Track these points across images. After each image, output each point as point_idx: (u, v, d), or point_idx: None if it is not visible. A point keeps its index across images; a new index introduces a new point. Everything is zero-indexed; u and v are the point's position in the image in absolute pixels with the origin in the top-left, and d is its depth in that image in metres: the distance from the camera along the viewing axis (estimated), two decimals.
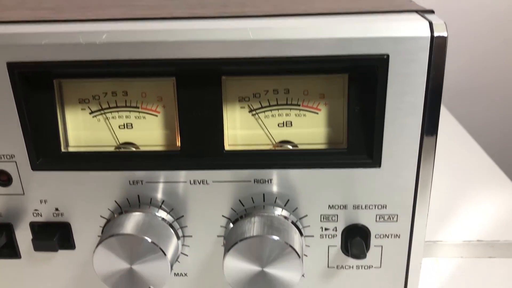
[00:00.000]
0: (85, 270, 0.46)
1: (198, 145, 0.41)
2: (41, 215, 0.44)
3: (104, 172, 0.42)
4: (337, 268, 0.45)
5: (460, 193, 0.66)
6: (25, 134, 0.41)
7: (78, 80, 0.41)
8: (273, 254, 0.39)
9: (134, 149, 0.43)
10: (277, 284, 0.40)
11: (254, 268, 0.40)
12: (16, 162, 0.42)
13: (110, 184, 0.42)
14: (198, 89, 0.40)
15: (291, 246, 0.39)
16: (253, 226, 0.40)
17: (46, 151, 0.42)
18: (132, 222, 0.41)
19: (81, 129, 0.43)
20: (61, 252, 0.45)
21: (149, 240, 0.40)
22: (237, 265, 0.40)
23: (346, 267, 0.45)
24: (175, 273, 0.46)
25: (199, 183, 0.42)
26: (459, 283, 0.51)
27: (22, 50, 0.38)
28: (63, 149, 0.42)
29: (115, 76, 0.41)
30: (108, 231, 0.41)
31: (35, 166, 0.42)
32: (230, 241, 0.40)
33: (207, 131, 0.41)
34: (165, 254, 0.40)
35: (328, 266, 0.45)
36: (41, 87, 0.40)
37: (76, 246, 0.45)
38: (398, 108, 0.39)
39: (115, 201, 0.43)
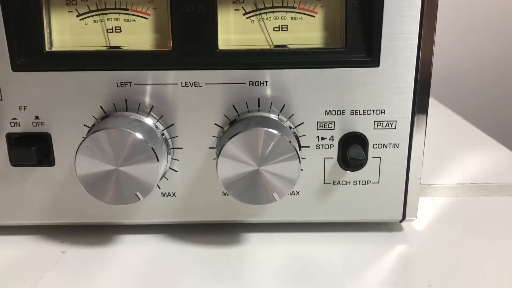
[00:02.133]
0: (64, 190, 0.42)
1: (190, 43, 0.39)
2: (19, 125, 0.41)
3: (90, 73, 0.40)
4: (333, 183, 0.43)
5: (449, 151, 0.65)
6: (7, 30, 0.38)
7: None
8: (270, 151, 0.37)
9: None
10: (272, 187, 0.38)
11: (249, 167, 0.38)
12: None
13: (96, 86, 0.40)
14: None
15: (290, 143, 0.37)
16: (249, 125, 0.38)
17: (29, 50, 0.39)
18: (120, 121, 0.39)
19: (67, 33, 0.41)
20: (38, 170, 0.42)
21: (141, 136, 0.37)
22: (231, 165, 0.38)
23: (343, 182, 0.43)
24: (162, 193, 0.43)
25: (191, 85, 0.40)
26: (456, 218, 0.49)
27: None
28: (47, 49, 0.40)
29: None
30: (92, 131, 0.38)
31: (16, 66, 0.39)
32: (224, 141, 0.38)
33: (200, 29, 0.39)
34: (155, 154, 0.37)
35: (324, 182, 0.43)
36: None
37: (56, 162, 0.42)
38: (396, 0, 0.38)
39: (101, 107, 0.40)
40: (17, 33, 0.39)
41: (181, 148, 0.41)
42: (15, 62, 0.39)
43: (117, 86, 0.40)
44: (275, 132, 0.37)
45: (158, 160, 0.38)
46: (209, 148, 0.42)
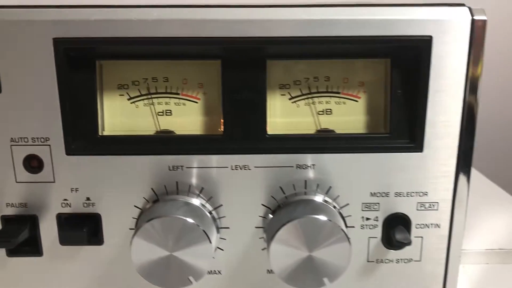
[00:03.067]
0: (112, 268, 0.43)
1: (240, 129, 0.41)
2: (70, 206, 0.42)
3: (142, 157, 0.41)
4: (376, 262, 0.44)
5: (474, 212, 0.66)
6: (63, 115, 0.39)
7: (121, 62, 0.41)
8: (321, 237, 0.38)
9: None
10: (324, 271, 0.39)
11: (301, 253, 0.38)
12: (50, 145, 0.40)
13: (148, 170, 0.41)
14: (243, 71, 0.40)
15: (341, 228, 0.38)
16: (298, 210, 0.39)
17: (83, 134, 0.41)
18: (171, 207, 0.40)
19: (118, 115, 0.42)
20: (87, 249, 0.43)
21: (193, 221, 0.38)
22: (283, 251, 0.38)
23: (386, 261, 0.44)
24: (208, 271, 0.43)
25: (241, 169, 0.41)
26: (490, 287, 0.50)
27: (70, 26, 0.38)
28: (100, 133, 0.41)
29: (160, 58, 0.41)
30: (146, 218, 0.39)
31: (70, 150, 0.40)
32: (275, 227, 0.39)
33: (250, 115, 0.40)
34: (208, 237, 0.38)
35: (367, 260, 0.44)
36: (84, 68, 0.40)
37: (104, 241, 0.42)
38: (440, 90, 0.40)
39: (152, 189, 0.41)
40: (72, 118, 0.40)
41: (228, 227, 0.42)
42: (69, 147, 0.40)
43: (169, 170, 0.41)
44: (325, 219, 0.38)
45: (210, 242, 0.38)
46: (255, 227, 0.42)
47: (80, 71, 0.40)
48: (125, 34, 0.38)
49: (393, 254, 0.44)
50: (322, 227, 0.38)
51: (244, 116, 0.41)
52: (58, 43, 0.38)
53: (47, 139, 0.40)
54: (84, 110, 0.40)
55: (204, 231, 0.38)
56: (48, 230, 0.42)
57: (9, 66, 0.38)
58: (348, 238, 0.38)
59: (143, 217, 0.40)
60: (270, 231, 0.40)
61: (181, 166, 0.41)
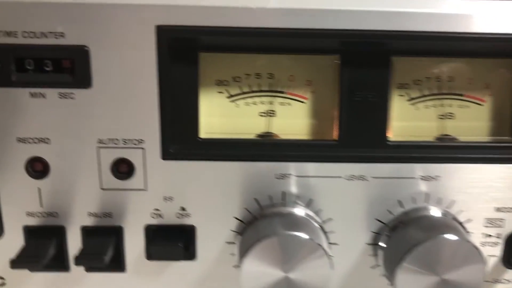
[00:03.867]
0: (204, 285, 0.38)
1: (359, 134, 0.36)
2: (161, 216, 0.37)
3: (245, 163, 0.36)
4: (493, 281, 0.40)
5: None
6: (162, 114, 0.34)
7: (222, 55, 0.36)
8: (456, 259, 0.34)
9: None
10: None
11: (431, 278, 0.34)
12: (144, 149, 0.35)
13: (252, 177, 0.36)
14: (364, 69, 0.35)
15: (478, 250, 0.34)
16: (425, 229, 0.35)
17: (182, 136, 0.36)
18: (280, 222, 0.35)
19: (217, 115, 0.37)
20: (176, 264, 0.38)
21: (308, 237, 0.34)
22: (412, 277, 0.34)
23: (504, 281, 0.40)
24: None
25: (356, 179, 0.36)
26: None
27: (176, 12, 0.33)
28: (200, 135, 0.36)
29: (267, 51, 0.36)
30: (253, 235, 0.35)
31: (167, 155, 0.35)
32: (400, 248, 0.35)
33: (370, 118, 0.36)
34: (325, 252, 0.33)
35: (483, 279, 0.40)
36: (186, 61, 0.35)
37: (197, 256, 0.38)
38: None
39: (255, 199, 0.37)
40: (172, 117, 0.35)
41: (337, 244, 0.38)
42: (166, 150, 0.35)
43: (276, 178, 0.36)
44: (456, 238, 0.34)
45: (329, 260, 0.34)
46: (366, 244, 0.38)
47: (182, 64, 0.35)
48: (235, 23, 0.33)
49: (511, 274, 0.40)
50: (456, 249, 0.34)
51: (363, 120, 0.36)
52: (162, 31, 0.33)
53: (141, 141, 0.35)
54: (185, 109, 0.35)
55: (323, 248, 0.33)
56: (133, 243, 0.37)
57: (102, 56, 0.33)
58: (484, 258, 0.34)
59: (250, 233, 0.35)
60: (392, 252, 0.35)
61: (289, 174, 0.36)
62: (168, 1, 0.32)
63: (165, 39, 0.33)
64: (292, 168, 0.36)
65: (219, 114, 0.37)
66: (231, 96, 0.37)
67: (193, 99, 0.35)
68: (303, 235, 0.34)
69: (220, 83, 0.37)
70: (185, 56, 0.35)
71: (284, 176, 0.36)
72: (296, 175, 0.36)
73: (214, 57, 0.36)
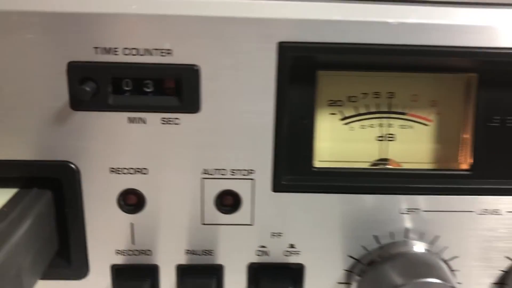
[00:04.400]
0: None
1: (495, 163, 0.32)
2: (267, 254, 0.33)
3: (364, 196, 0.32)
4: None
5: None
6: (277, 141, 0.30)
7: (338, 74, 0.32)
8: None
9: (391, 166, 0.33)
10: None
11: None
12: (254, 180, 0.31)
13: (370, 212, 0.32)
14: (506, 91, 0.31)
15: None
16: None
17: (297, 165, 0.31)
18: (408, 263, 0.31)
19: (328, 139, 0.33)
20: None
21: (441, 282, 0.30)
22: None
23: None
24: None
25: (490, 213, 0.32)
26: None
27: (302, 26, 0.28)
28: (314, 164, 0.32)
29: (389, 69, 0.31)
30: (378, 279, 0.31)
31: (279, 186, 0.31)
32: None
33: (509, 146, 0.32)
34: None
35: None
36: (304, 80, 0.30)
37: None
38: None
39: (374, 236, 0.33)
40: (288, 144, 0.31)
41: (461, 283, 0.34)
42: (279, 181, 0.31)
43: (399, 213, 0.32)
44: None
45: None
46: (493, 283, 0.34)
47: (300, 84, 0.30)
48: (361, 39, 0.29)
49: None
50: None
51: (500, 147, 0.32)
52: (285, 48, 0.28)
53: (251, 171, 0.31)
54: (301, 134, 0.31)
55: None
56: (235, 283, 0.33)
57: (213, 76, 0.29)
58: None
59: (373, 276, 0.31)
60: None
61: (415, 209, 0.32)
62: (291, 14, 0.28)
63: (287, 57, 0.29)
64: (418, 201, 0.32)
65: (330, 138, 0.33)
66: (345, 118, 0.33)
67: (309, 123, 0.31)
68: (436, 281, 0.30)
69: (333, 103, 0.32)
70: (303, 76, 0.30)
71: (409, 211, 0.32)
72: (422, 209, 0.32)
73: (330, 75, 0.32)
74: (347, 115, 0.33)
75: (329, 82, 0.32)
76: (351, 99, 0.33)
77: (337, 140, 0.33)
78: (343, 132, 0.33)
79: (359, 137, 0.33)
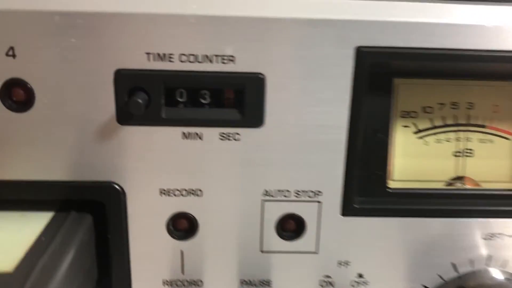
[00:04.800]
0: None
1: None
2: (332, 285, 0.29)
3: (440, 220, 0.28)
4: None
5: None
6: (350, 158, 0.27)
7: (417, 82, 0.28)
8: None
9: (469, 186, 0.30)
10: None
11: None
12: (321, 202, 0.28)
13: (451, 238, 0.28)
14: None
15: None
16: None
17: (368, 186, 0.28)
18: None
19: (400, 155, 0.29)
20: None
21: None
22: None
23: None
24: None
25: None
26: None
27: (380, 29, 0.25)
28: (388, 184, 0.28)
29: (469, 77, 0.28)
30: None
31: (349, 210, 0.28)
32: None
33: None
34: None
35: None
36: (380, 89, 0.27)
37: None
38: None
39: (452, 264, 0.29)
40: (363, 162, 0.27)
41: None
42: (349, 204, 0.27)
43: (481, 238, 0.29)
44: None
45: None
46: None
47: (377, 94, 0.27)
48: (445, 44, 0.25)
49: None
50: None
51: None
52: (363, 54, 0.25)
53: (318, 193, 0.27)
54: (375, 150, 0.28)
55: None
56: None
57: (281, 85, 0.25)
58: None
59: None
60: None
61: (498, 233, 0.29)
62: (371, 15, 0.25)
63: (365, 63, 0.25)
64: (501, 225, 0.29)
65: (402, 154, 0.29)
66: (419, 131, 0.29)
67: (384, 137, 0.28)
68: None
69: (407, 114, 0.29)
70: (379, 84, 0.27)
71: (491, 236, 0.29)
72: (506, 234, 0.29)
73: (406, 84, 0.28)
74: (421, 128, 0.29)
75: (403, 91, 0.28)
76: (426, 110, 0.29)
77: (410, 156, 0.29)
78: (416, 146, 0.29)
79: (434, 152, 0.29)
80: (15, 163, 0.26)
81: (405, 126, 0.29)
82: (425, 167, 0.30)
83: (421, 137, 0.29)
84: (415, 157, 0.29)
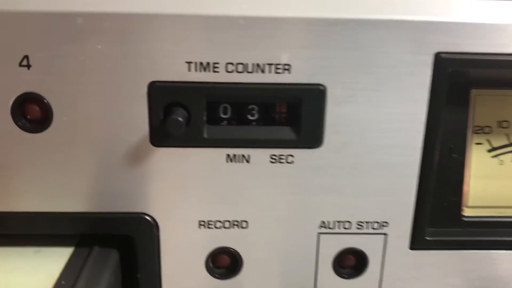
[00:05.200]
0: None
1: None
2: None
3: None
4: None
5: None
6: (423, 182, 0.23)
7: (494, 93, 0.24)
8: None
9: None
10: None
11: None
12: (386, 234, 0.24)
13: None
14: None
15: None
16: None
17: (442, 214, 0.24)
18: None
19: (473, 176, 0.25)
20: None
21: None
22: None
23: None
24: None
25: None
26: None
27: (459, 33, 0.21)
28: (463, 212, 0.24)
29: None
30: None
31: (419, 243, 0.24)
32: None
33: None
34: None
35: None
36: (458, 102, 0.23)
37: None
38: None
39: None
40: (434, 190, 0.23)
41: None
42: (420, 236, 0.23)
43: None
44: None
45: None
46: None
47: (452, 107, 0.23)
48: None
49: None
50: None
51: None
52: (444, 61, 0.21)
53: (384, 224, 0.23)
54: (450, 172, 0.24)
55: None
56: None
57: (344, 98, 0.21)
58: None
59: None
60: None
61: None
62: (454, 16, 0.21)
63: (445, 72, 0.21)
64: None
65: (476, 176, 0.25)
66: (494, 148, 0.25)
67: (459, 157, 0.24)
68: None
69: (480, 130, 0.25)
70: (456, 96, 0.23)
71: None
72: None
73: (482, 95, 0.24)
74: (496, 145, 0.25)
75: (479, 104, 0.24)
76: (502, 125, 0.25)
77: (484, 178, 0.25)
78: (490, 167, 0.25)
79: (510, 173, 0.26)
80: (29, 192, 0.22)
81: (478, 144, 0.25)
82: (501, 190, 0.26)
83: (495, 156, 0.25)
84: (490, 179, 0.25)
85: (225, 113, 0.22)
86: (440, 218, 0.24)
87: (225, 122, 0.22)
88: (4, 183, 0.22)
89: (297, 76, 0.21)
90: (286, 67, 0.21)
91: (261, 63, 0.21)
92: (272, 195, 0.23)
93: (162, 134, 0.21)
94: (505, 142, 0.25)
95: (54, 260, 0.23)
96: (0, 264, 0.23)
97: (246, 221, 0.23)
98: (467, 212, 0.25)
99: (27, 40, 0.20)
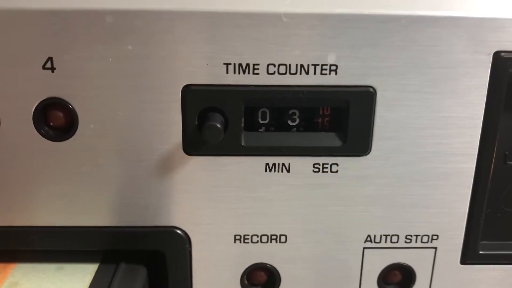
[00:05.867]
0: None
1: None
2: None
3: None
4: None
5: None
6: (479, 192, 0.21)
7: None
8: None
9: None
10: None
11: None
12: (436, 248, 0.22)
13: None
14: None
15: None
16: None
17: (493, 227, 0.22)
18: None
19: None
20: None
21: None
22: None
23: None
24: None
25: None
26: None
27: None
28: None
29: None
30: None
31: (472, 257, 0.22)
32: None
33: None
34: None
35: None
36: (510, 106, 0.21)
37: None
38: None
39: None
40: (487, 201, 0.21)
41: None
42: (474, 251, 0.22)
43: None
44: None
45: None
46: None
47: (509, 111, 0.21)
48: None
49: None
50: None
51: None
52: (504, 61, 0.19)
53: (434, 237, 0.22)
54: (504, 181, 0.22)
55: None
56: None
57: (394, 102, 0.19)
58: None
59: None
60: None
61: None
62: (510, 13, 0.19)
63: (505, 74, 0.19)
64: None
65: None
66: None
67: None
68: None
69: None
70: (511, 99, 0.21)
71: None
72: None
73: None
74: None
75: None
76: None
77: None
78: None
79: None
80: (51, 205, 0.20)
81: None
82: None
83: None
84: None
85: (263, 119, 0.20)
86: (493, 230, 0.22)
87: (263, 128, 0.20)
88: (25, 195, 0.20)
89: (344, 77, 0.19)
90: (333, 67, 0.19)
91: (305, 64, 0.19)
92: (313, 207, 0.21)
93: (197, 141, 0.19)
94: None
95: (77, 278, 0.21)
96: (21, 281, 0.21)
97: (284, 235, 0.21)
98: None
99: (51, 41, 0.18)
